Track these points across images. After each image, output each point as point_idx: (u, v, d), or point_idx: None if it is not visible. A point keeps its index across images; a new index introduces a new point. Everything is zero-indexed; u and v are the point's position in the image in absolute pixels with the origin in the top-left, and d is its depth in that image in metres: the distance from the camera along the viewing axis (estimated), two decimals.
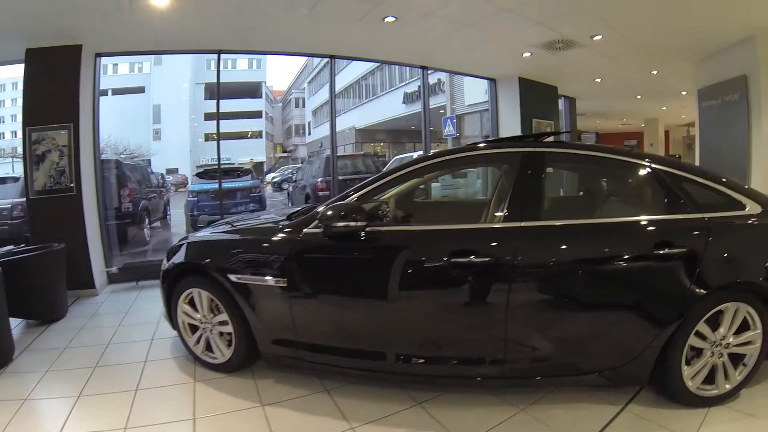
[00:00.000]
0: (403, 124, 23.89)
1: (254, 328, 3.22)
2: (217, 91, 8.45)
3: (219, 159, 8.98)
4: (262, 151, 43.34)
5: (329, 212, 2.90)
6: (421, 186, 4.83)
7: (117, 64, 36.44)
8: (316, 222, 3.01)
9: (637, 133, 21.11)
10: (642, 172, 3.09)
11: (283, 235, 3.15)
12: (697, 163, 8.14)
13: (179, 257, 3.63)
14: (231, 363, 3.42)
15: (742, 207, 2.85)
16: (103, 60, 6.52)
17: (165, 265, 3.72)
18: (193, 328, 3.55)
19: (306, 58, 27.91)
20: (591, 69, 8.83)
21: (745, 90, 6.70)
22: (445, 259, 2.79)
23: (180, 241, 3.90)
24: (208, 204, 11.14)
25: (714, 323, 2.75)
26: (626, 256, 2.73)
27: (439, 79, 17.41)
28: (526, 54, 7.58)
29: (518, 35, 6.63)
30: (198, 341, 3.54)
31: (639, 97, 12.64)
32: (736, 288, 2.73)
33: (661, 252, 2.69)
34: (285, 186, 22.86)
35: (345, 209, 2.89)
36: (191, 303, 3.50)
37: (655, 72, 9.11)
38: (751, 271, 2.77)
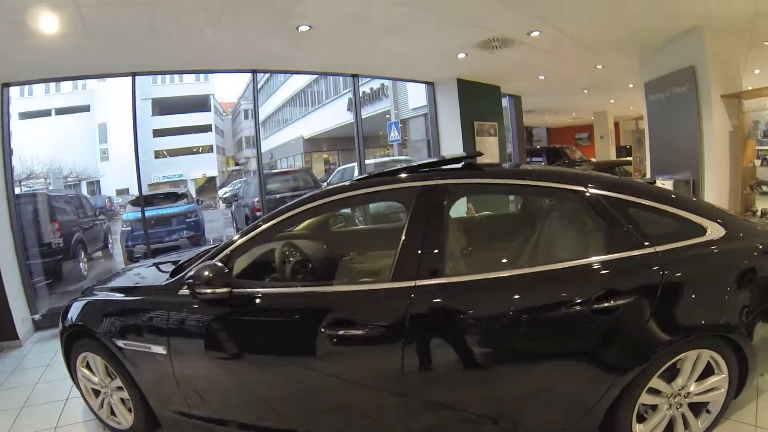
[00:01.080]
0: (350, 131, 23.19)
1: (147, 396, 2.92)
2: (133, 114, 7.57)
3: (140, 186, 8.20)
4: (214, 165, 42.42)
5: (196, 277, 2.51)
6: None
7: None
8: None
9: (587, 126, 21.06)
10: (573, 199, 2.61)
11: (161, 297, 2.85)
12: (648, 159, 7.73)
13: (70, 318, 3.28)
14: (135, 429, 3.12)
15: (702, 232, 2.42)
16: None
17: (60, 325, 3.40)
18: (96, 392, 3.27)
19: None
20: (533, 66, 8.32)
21: (694, 81, 6.30)
22: (320, 329, 2.36)
23: (72, 300, 3.47)
24: (142, 234, 10.32)
25: (671, 372, 2.35)
26: (552, 313, 2.27)
27: (382, 84, 16.87)
28: (461, 55, 7.05)
29: (447, 36, 6.13)
30: (101, 405, 3.27)
31: (585, 91, 12.24)
32: (697, 334, 2.30)
33: (600, 306, 2.17)
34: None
35: (211, 274, 2.48)
36: (88, 366, 3.24)
37: (599, 66, 8.66)
38: (716, 311, 2.33)
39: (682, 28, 6.25)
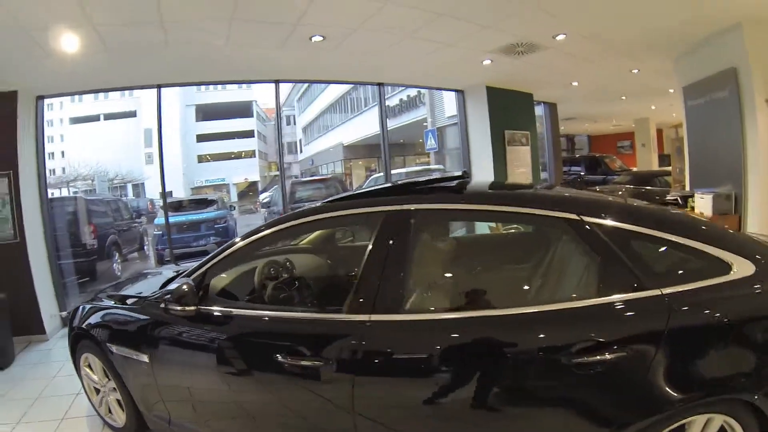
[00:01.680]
0: (390, 139, 23.04)
1: (135, 399, 3.06)
2: (158, 124, 7.78)
3: (164, 192, 8.76)
4: (255, 170, 43.08)
5: (172, 293, 2.61)
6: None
7: None
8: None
9: (629, 133, 20.13)
10: (565, 229, 2.22)
11: (147, 308, 2.95)
12: (687, 169, 7.27)
13: (76, 320, 3.49)
14: (128, 428, 3.28)
15: (726, 270, 1.94)
16: None
17: (69, 325, 3.65)
18: (97, 390, 3.47)
19: None
20: (564, 72, 7.98)
21: (736, 84, 5.79)
22: (272, 355, 2.29)
23: (81, 303, 3.69)
24: (174, 237, 10.96)
25: None
26: (523, 364, 1.99)
27: (419, 92, 16.68)
28: (486, 61, 6.80)
29: (468, 42, 5.86)
30: (101, 403, 3.48)
31: (624, 97, 11.71)
32: (708, 396, 1.87)
33: (582, 360, 1.85)
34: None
35: (182, 292, 2.54)
36: (90, 366, 3.43)
37: (635, 71, 8.24)
38: (734, 368, 1.87)
39: (720, 25, 5.77)
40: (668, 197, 7.56)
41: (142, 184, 35.32)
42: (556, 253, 2.38)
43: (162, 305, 2.67)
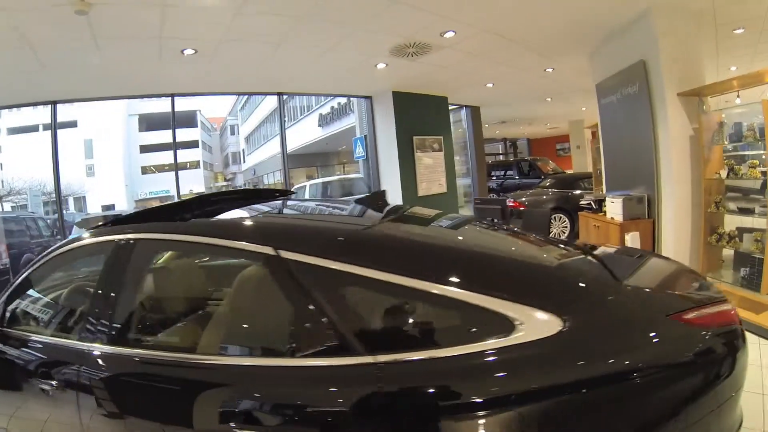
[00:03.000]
0: (324, 147, 22.66)
1: None
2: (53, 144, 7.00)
3: (60, 209, 8.33)
4: (201, 181, 42.05)
5: None
6: None
7: None
8: None
9: (564, 136, 19.89)
10: (261, 265, 1.77)
11: None
12: (603, 173, 6.77)
13: None
14: None
15: (508, 327, 1.38)
16: None
17: None
18: None
19: None
20: (473, 73, 7.42)
21: (645, 78, 5.31)
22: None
23: None
24: None
25: None
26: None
27: (349, 99, 16.07)
28: (381, 65, 6.26)
29: (349, 44, 5.34)
30: None
31: (549, 99, 11.22)
32: None
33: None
34: None
35: None
36: None
37: (549, 69, 7.73)
38: None
39: (628, 14, 5.28)
40: (582, 202, 7.10)
41: (83, 197, 33.95)
42: (258, 293, 1.88)
43: None
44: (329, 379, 1.44)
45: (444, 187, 8.66)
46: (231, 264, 2.13)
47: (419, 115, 8.20)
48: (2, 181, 30.03)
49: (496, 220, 5.46)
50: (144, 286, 2.24)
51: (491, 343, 1.36)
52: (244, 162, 41.72)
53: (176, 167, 8.84)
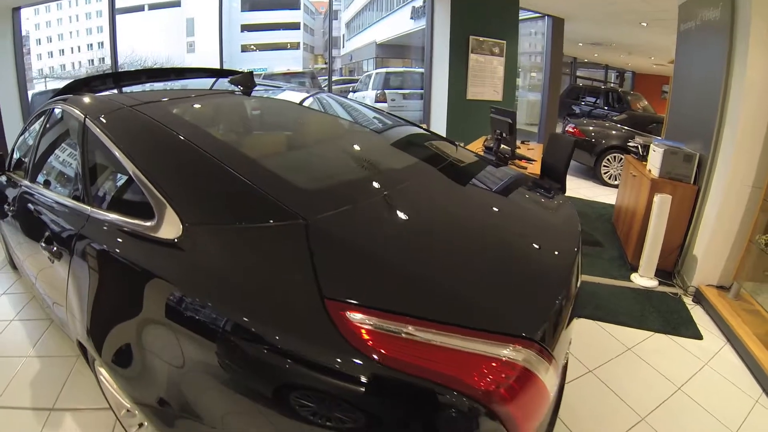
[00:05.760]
0: (414, 41, 21.78)
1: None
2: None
3: None
4: (299, 61, 42.34)
5: None
6: None
7: None
8: None
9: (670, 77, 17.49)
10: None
11: None
12: (666, 113, 5.77)
13: None
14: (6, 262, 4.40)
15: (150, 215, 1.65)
16: None
17: None
18: None
19: None
20: None
21: (730, 3, 3.99)
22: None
23: None
24: None
25: None
26: None
27: None
28: None
29: None
30: None
31: (644, 24, 9.69)
32: None
33: None
34: None
35: None
36: None
37: None
38: None
39: None
40: (630, 143, 6.28)
41: None
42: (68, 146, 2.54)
43: None
44: (70, 213, 2.11)
45: (499, 95, 8.08)
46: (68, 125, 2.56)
47: (480, 14, 7.52)
48: (103, 59, 31.61)
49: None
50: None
51: (134, 221, 1.69)
52: (343, 47, 41.27)
53: None
